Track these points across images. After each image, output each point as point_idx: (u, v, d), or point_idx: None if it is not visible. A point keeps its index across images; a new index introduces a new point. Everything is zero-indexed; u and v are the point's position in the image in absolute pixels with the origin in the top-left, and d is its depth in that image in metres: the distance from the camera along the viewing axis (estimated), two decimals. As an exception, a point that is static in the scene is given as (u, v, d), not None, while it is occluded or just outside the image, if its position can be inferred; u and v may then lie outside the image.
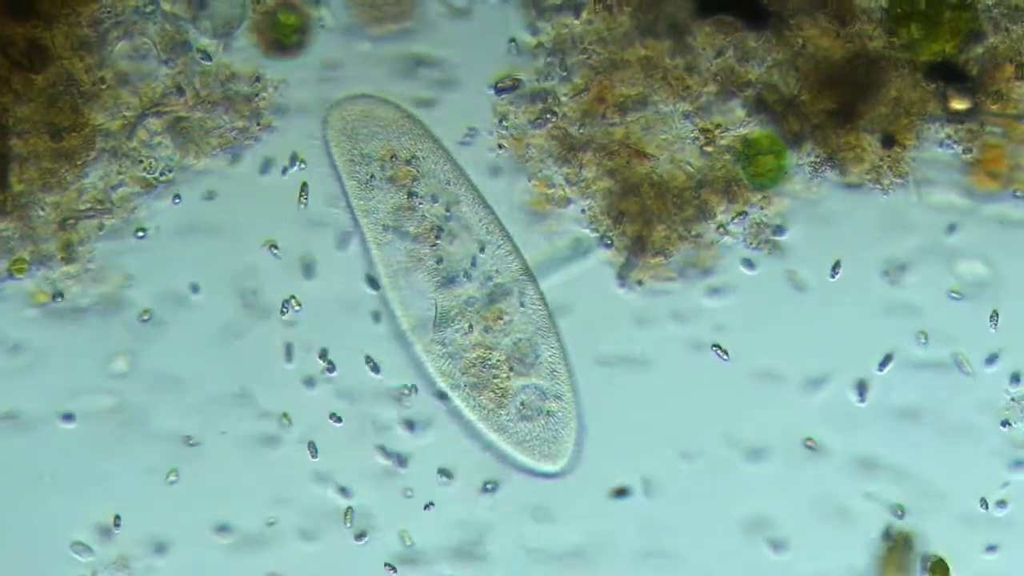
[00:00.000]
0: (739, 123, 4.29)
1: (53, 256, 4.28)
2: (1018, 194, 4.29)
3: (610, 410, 4.30)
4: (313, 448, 4.28)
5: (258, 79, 4.30)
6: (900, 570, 4.21)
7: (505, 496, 4.30)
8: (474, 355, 4.27)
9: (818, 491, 4.30)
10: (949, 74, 4.27)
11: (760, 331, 4.32)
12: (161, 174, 4.29)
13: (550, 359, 4.28)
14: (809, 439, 4.27)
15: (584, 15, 4.29)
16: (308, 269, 4.29)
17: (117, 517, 4.25)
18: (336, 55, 4.33)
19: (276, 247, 4.26)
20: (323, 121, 4.29)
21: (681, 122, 4.29)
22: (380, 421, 4.29)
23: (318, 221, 4.31)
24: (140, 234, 4.30)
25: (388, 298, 4.28)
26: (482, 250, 4.26)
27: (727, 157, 4.30)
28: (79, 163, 4.26)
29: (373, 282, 4.22)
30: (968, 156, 4.29)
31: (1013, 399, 4.28)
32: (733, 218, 4.30)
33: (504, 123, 4.31)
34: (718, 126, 4.29)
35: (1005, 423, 4.27)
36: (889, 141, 4.28)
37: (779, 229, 4.29)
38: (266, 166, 4.30)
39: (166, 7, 4.28)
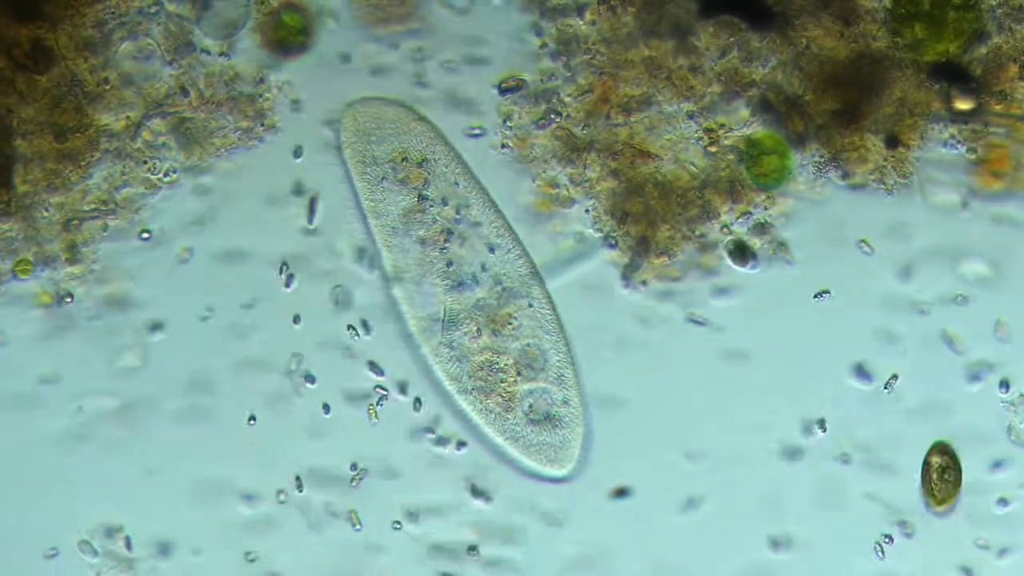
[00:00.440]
0: (743, 123, 4.29)
1: (57, 257, 4.28)
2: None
3: (615, 410, 4.30)
4: (325, 408, 4.27)
5: (262, 80, 4.30)
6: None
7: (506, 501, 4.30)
8: (482, 359, 4.27)
9: (822, 490, 4.30)
10: (953, 74, 4.27)
11: (762, 331, 4.32)
12: (165, 175, 4.30)
13: (558, 364, 4.28)
14: (819, 420, 4.26)
15: (588, 15, 4.29)
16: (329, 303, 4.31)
17: (127, 538, 4.25)
18: (340, 56, 4.33)
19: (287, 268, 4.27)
20: (335, 123, 4.30)
21: (685, 122, 4.29)
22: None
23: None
24: (144, 235, 4.30)
25: (396, 299, 4.28)
26: (492, 251, 4.26)
27: (731, 157, 4.30)
28: (83, 164, 4.26)
29: (371, 263, 4.21)
30: (972, 156, 4.29)
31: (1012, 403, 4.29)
32: (737, 218, 4.29)
33: (508, 123, 4.31)
34: (722, 126, 4.29)
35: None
36: (893, 141, 4.28)
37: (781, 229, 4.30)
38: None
39: (170, 8, 4.28)
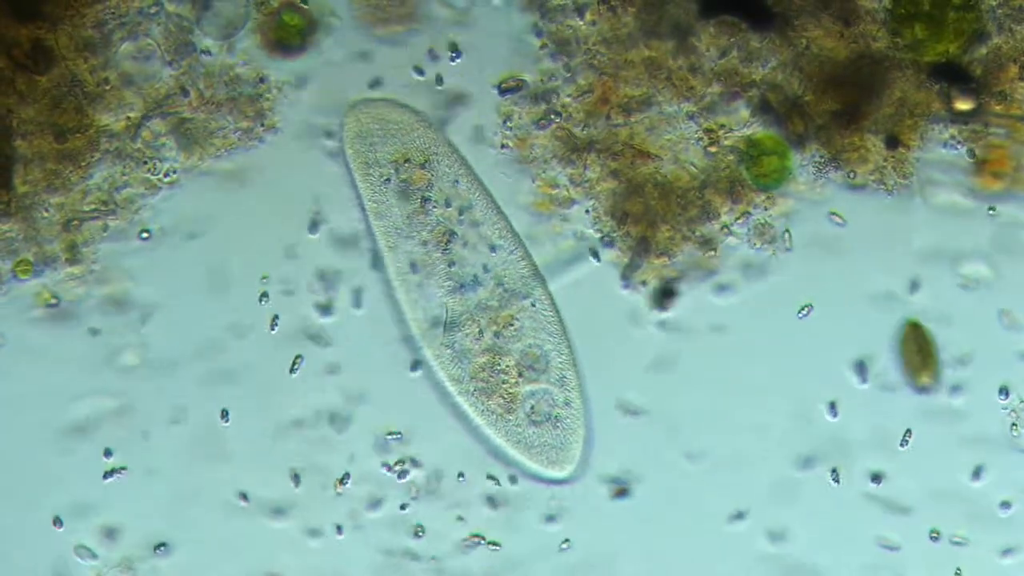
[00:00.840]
0: (743, 124, 4.29)
1: (57, 257, 4.28)
2: None
3: (617, 414, 4.31)
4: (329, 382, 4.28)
5: (262, 80, 4.30)
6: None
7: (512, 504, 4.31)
8: (483, 360, 4.27)
9: (826, 488, 4.31)
10: (953, 75, 4.27)
11: (762, 331, 4.32)
12: (165, 175, 4.30)
13: (560, 365, 4.28)
14: (831, 399, 4.26)
15: (588, 16, 4.29)
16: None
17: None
18: (341, 55, 4.33)
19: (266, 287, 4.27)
20: (338, 126, 4.30)
21: (685, 123, 4.29)
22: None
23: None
24: (144, 235, 4.30)
25: (399, 301, 4.28)
26: (493, 250, 4.26)
27: (731, 158, 4.30)
28: (83, 164, 4.26)
29: (377, 261, 4.21)
30: (972, 157, 4.29)
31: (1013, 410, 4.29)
32: (737, 218, 4.29)
33: (508, 123, 4.31)
34: (722, 127, 4.29)
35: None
36: (893, 142, 4.28)
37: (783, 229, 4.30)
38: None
39: (170, 8, 4.28)
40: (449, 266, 4.27)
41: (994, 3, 4.25)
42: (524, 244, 4.30)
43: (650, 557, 4.31)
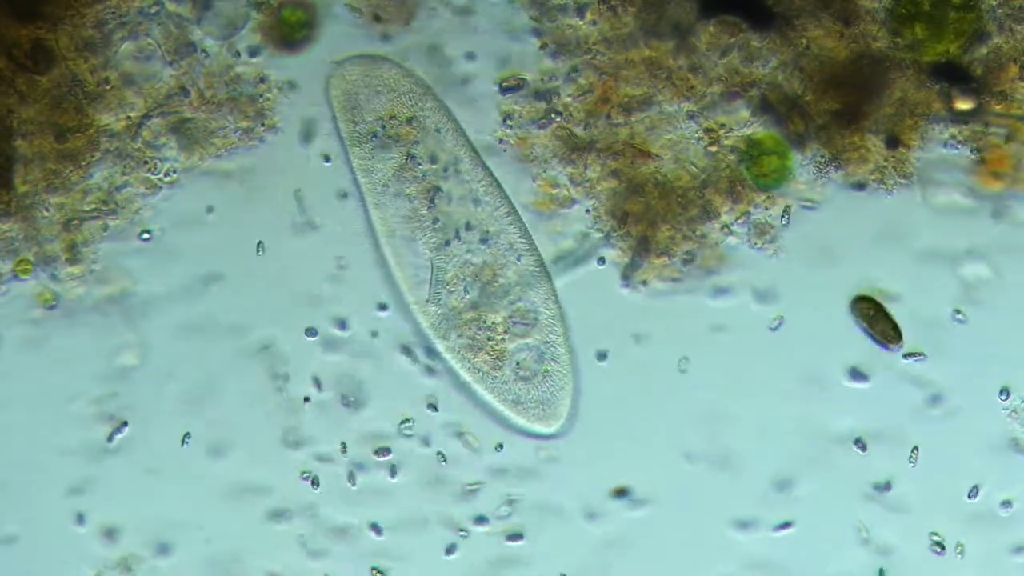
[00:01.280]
0: (743, 123, 4.29)
1: (57, 257, 4.28)
2: None
3: (612, 409, 4.31)
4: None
5: (262, 80, 4.30)
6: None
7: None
8: (470, 316, 4.26)
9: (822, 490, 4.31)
10: (953, 75, 4.27)
11: (762, 331, 4.32)
12: (165, 175, 4.30)
13: (547, 321, 4.26)
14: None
15: (588, 16, 4.29)
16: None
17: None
18: (341, 53, 4.33)
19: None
20: (325, 84, 4.28)
21: (685, 122, 4.29)
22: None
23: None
24: (145, 235, 4.30)
25: (386, 259, 4.26)
26: (476, 203, 4.25)
27: (731, 157, 4.30)
28: (83, 164, 4.26)
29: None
30: (973, 157, 4.29)
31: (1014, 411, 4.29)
32: (737, 218, 4.29)
33: (508, 122, 4.31)
34: (722, 126, 4.29)
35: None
36: (893, 142, 4.28)
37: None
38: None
39: (170, 8, 4.28)
40: (434, 223, 4.25)
41: (994, 3, 4.25)
42: (511, 200, 4.28)
43: (650, 557, 4.31)
